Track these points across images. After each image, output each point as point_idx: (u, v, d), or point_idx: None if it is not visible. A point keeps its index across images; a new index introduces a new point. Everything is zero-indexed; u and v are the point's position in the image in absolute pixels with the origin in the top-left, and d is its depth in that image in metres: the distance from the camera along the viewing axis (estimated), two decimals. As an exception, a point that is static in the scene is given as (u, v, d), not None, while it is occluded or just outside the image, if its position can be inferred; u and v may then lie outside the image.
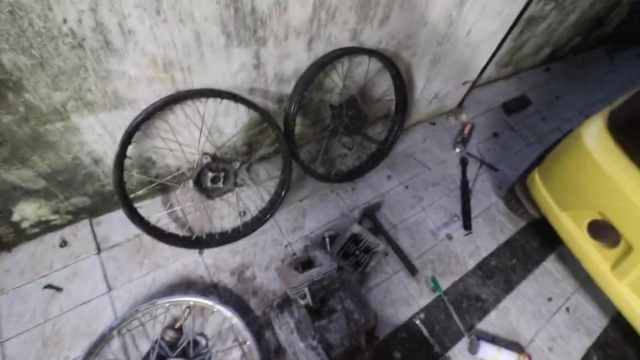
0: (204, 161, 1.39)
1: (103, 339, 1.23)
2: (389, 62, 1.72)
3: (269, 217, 1.70)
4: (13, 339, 1.28)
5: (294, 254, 1.65)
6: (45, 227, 1.53)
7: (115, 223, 1.62)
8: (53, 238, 1.55)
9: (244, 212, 1.75)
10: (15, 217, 1.41)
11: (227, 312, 1.35)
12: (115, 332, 1.24)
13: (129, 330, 1.33)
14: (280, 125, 1.57)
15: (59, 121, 1.19)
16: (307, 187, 1.91)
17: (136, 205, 1.43)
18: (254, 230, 1.68)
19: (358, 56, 1.72)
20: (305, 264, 1.34)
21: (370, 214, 1.80)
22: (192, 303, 1.36)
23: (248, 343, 1.31)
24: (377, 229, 1.74)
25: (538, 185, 1.53)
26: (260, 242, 1.67)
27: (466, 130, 2.37)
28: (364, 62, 1.78)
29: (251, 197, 1.81)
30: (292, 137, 1.63)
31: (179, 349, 1.28)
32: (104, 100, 1.22)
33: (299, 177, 1.91)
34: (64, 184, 1.40)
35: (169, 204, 1.72)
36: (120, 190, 1.31)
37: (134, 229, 1.47)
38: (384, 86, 1.95)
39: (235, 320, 1.34)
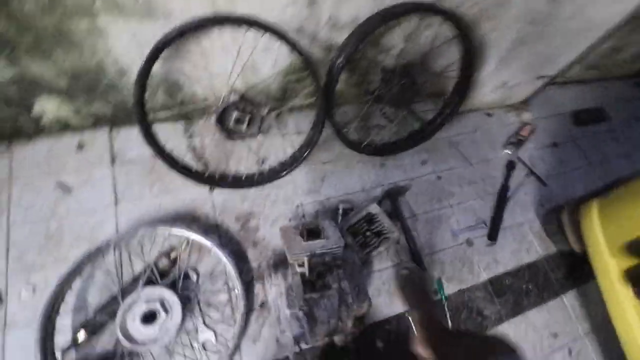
0: (232, 98, 1.28)
1: (100, 250, 1.23)
2: (464, 31, 1.45)
3: (287, 172, 1.61)
4: (19, 226, 1.32)
5: (304, 216, 1.57)
6: (64, 126, 1.50)
7: (134, 139, 1.57)
8: (71, 139, 1.53)
9: (263, 161, 1.66)
10: (36, 111, 1.38)
11: (222, 256, 1.32)
12: (113, 246, 1.24)
13: (127, 247, 1.33)
14: (321, 77, 1.40)
15: (86, 17, 1.08)
16: (334, 150, 1.77)
17: (156, 126, 1.36)
18: (269, 181, 1.60)
19: (430, 17, 1.46)
20: (311, 232, 1.26)
21: (393, 197, 1.67)
22: (192, 238, 1.33)
23: (236, 291, 1.29)
24: (396, 214, 1.62)
25: (593, 220, 1.32)
26: (272, 195, 1.60)
27: (524, 132, 2.09)
28: (434, 26, 1.52)
29: (274, 147, 1.71)
30: (332, 94, 1.47)
31: (169, 279, 1.28)
32: (136, 5, 1.08)
33: (327, 138, 1.76)
34: (86, 88, 1.34)
35: (189, 133, 1.65)
36: (139, 109, 1.23)
37: (148, 149, 1.42)
38: (449, 59, 1.69)
39: (229, 266, 1.31)
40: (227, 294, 1.35)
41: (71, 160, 1.49)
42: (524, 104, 2.27)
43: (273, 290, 1.24)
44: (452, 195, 1.80)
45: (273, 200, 1.59)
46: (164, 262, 1.30)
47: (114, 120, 1.57)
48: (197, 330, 1.28)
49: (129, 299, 1.16)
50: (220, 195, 1.55)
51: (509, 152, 2.00)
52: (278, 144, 1.71)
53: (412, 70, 1.63)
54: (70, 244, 1.33)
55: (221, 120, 1.33)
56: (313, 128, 1.55)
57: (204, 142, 1.63)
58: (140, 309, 1.15)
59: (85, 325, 1.16)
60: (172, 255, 1.33)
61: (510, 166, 1.95)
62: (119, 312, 1.14)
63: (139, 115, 1.25)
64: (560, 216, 1.59)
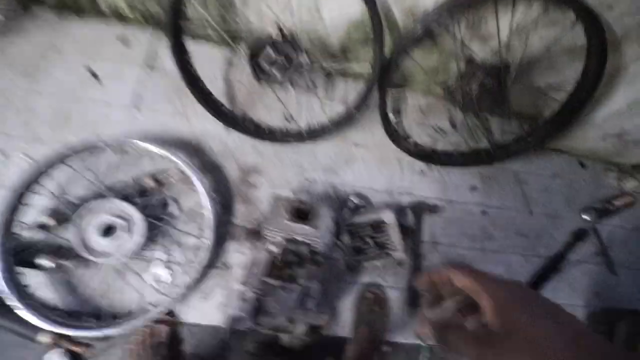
0: (274, 36, 1.08)
1: (94, 146, 1.18)
2: (600, 45, 1.07)
3: (312, 139, 1.41)
4: (38, 94, 1.32)
5: (310, 194, 1.38)
6: (117, 13, 1.45)
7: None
8: (118, 30, 1.47)
9: (290, 118, 1.48)
10: (91, -15, 1.32)
11: (207, 199, 1.20)
12: (104, 146, 1.17)
13: (120, 154, 1.27)
14: (387, 45, 1.14)
15: None
16: (373, 135, 1.52)
17: (195, 44, 1.24)
18: (287, 142, 1.42)
19: (561, 9, 1.09)
20: (300, 213, 1.07)
21: (418, 212, 1.40)
22: (184, 170, 1.22)
23: (206, 243, 1.18)
24: (412, 233, 1.35)
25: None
26: (286, 159, 1.42)
27: (619, 202, 1.61)
28: (559, 24, 1.13)
29: (307, 108, 1.50)
30: (394, 68, 1.20)
31: (147, 200, 1.20)
32: None
33: (371, 119, 1.51)
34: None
35: (227, 61, 1.50)
36: (173, 16, 1.09)
37: None
38: (562, 76, 1.30)
39: (210, 212, 1.19)
40: (196, 240, 1.25)
41: (110, 51, 1.44)
42: (636, 169, 1.75)
43: (238, 257, 1.10)
44: (491, 238, 1.47)
45: (285, 164, 1.42)
46: (148, 182, 1.22)
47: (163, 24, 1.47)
48: (154, 263, 1.20)
49: (93, 204, 1.10)
50: (235, 138, 1.41)
51: (587, 219, 1.56)
52: (313, 107, 1.50)
53: (507, 74, 1.27)
54: (76, 128, 1.30)
55: (256, 57, 1.15)
56: (357, 101, 1.31)
57: (239, 77, 1.48)
58: (102, 218, 1.09)
59: (54, 213, 1.14)
60: (160, 177, 1.24)
61: (580, 235, 1.52)
62: (80, 212, 1.09)
63: (172, 22, 1.11)
64: (615, 329, 1.20)
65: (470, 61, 1.27)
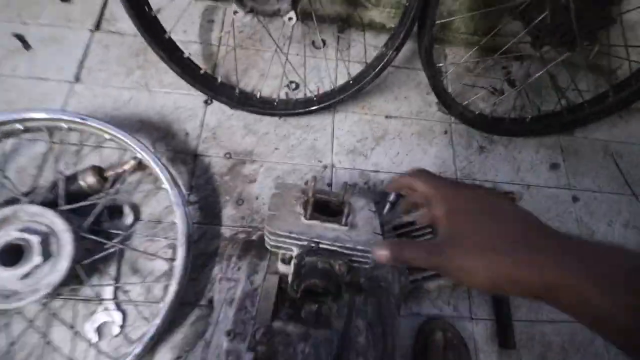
0: None
1: (26, 129, 0.77)
2: None
3: (324, 107, 0.99)
4: None
5: (330, 185, 0.96)
6: (54, -38, 1.08)
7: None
8: (59, -16, 1.10)
9: (296, 86, 1.07)
10: None
11: (178, 202, 0.78)
12: (15, 122, 0.77)
13: (48, 135, 0.87)
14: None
15: None
16: (408, 102, 1.11)
17: None
18: (293, 114, 1.02)
19: None
20: (324, 207, 0.64)
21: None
22: (148, 163, 0.81)
23: (179, 268, 0.74)
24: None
25: None
26: (292, 138, 1.01)
27: None
28: None
29: (318, 69, 1.11)
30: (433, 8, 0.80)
31: (87, 208, 0.78)
32: None
33: (401, 83, 1.12)
34: None
35: (204, 17, 1.12)
36: None
37: None
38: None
39: (182, 221, 0.77)
40: (166, 263, 0.82)
41: (49, 11, 1.06)
42: None
43: (224, 286, 0.66)
44: (593, 234, 1.03)
45: (291, 145, 1.00)
46: (89, 179, 0.80)
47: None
48: (99, 302, 0.77)
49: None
50: (218, 114, 1.01)
51: None
52: (323, 65, 1.10)
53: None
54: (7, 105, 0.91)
55: None
56: (386, 46, 0.90)
57: (224, 37, 1.09)
58: (4, 237, 0.67)
59: None
60: (107, 173, 0.83)
61: None
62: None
63: None
64: None
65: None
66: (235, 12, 0.76)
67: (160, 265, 0.82)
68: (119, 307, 0.77)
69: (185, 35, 1.09)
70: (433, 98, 1.12)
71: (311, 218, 0.60)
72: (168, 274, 0.81)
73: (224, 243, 0.86)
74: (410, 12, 0.80)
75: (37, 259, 0.66)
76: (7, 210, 0.69)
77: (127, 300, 0.78)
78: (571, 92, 1.10)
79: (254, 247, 0.70)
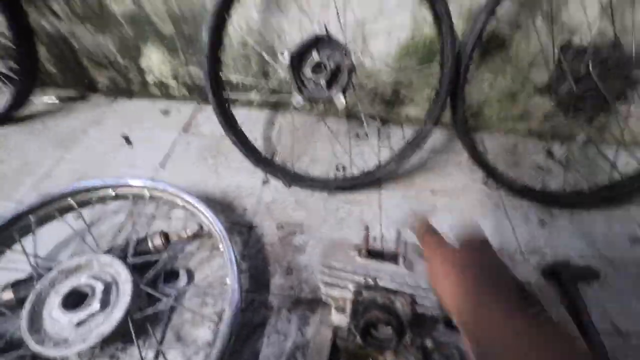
0: (316, 33, 0.90)
1: (90, 189, 0.91)
2: None
3: (374, 180, 1.05)
4: (70, 157, 1.19)
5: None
6: (163, 92, 1.46)
7: (214, 117, 1.39)
8: (160, 104, 1.46)
9: (343, 168, 1.18)
10: (143, 64, 1.37)
11: (232, 267, 0.79)
12: (102, 187, 0.91)
13: (137, 213, 0.99)
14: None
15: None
16: (452, 179, 1.14)
17: (238, 110, 1.13)
18: (340, 190, 1.08)
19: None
20: (376, 256, 0.62)
21: (566, 280, 0.85)
22: (210, 229, 0.88)
23: (221, 331, 0.70)
24: (576, 311, 0.78)
25: None
26: (341, 211, 1.05)
27: None
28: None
29: (361, 154, 1.22)
30: (461, 79, 0.94)
31: (148, 265, 0.82)
32: None
33: (441, 162, 1.19)
34: (187, 39, 1.25)
35: (268, 122, 1.37)
36: (211, 64, 0.99)
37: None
38: None
39: (234, 287, 0.76)
40: (210, 332, 0.78)
41: (150, 121, 1.38)
42: None
43: (274, 340, 0.60)
44: None
45: (340, 217, 1.03)
46: (156, 240, 0.87)
47: (205, 97, 1.45)
48: (137, 369, 0.72)
49: (68, 262, 0.75)
50: (273, 191, 1.11)
51: None
52: (367, 151, 1.22)
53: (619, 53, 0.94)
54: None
55: (298, 62, 0.94)
56: (424, 123, 1.00)
57: (281, 135, 1.30)
58: (72, 281, 0.71)
59: (16, 285, 0.78)
60: (172, 237, 0.90)
61: None
62: (49, 277, 0.72)
63: (210, 72, 1.00)
64: None
65: (565, 48, 0.98)
66: (297, 102, 0.94)
67: (204, 335, 0.78)
68: (155, 377, 0.71)
69: (250, 133, 1.31)
70: (477, 175, 1.15)
71: (366, 257, 0.59)
72: (210, 346, 0.76)
73: (268, 312, 0.81)
74: (441, 92, 0.93)
75: (96, 305, 0.67)
76: (83, 259, 0.75)
77: (166, 369, 0.72)
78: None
79: (304, 302, 0.66)
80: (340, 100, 0.92)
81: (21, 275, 0.80)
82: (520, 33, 1.05)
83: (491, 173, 1.04)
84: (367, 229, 0.63)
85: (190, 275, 0.89)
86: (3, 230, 0.81)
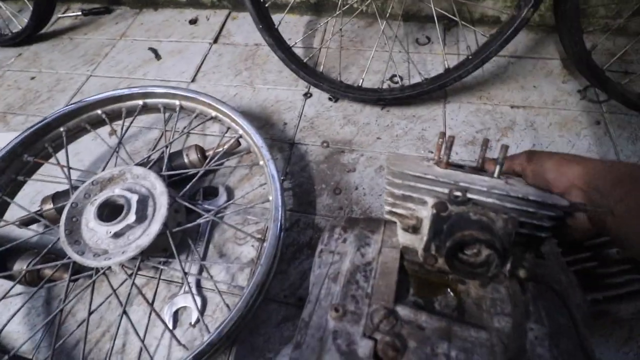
0: None
1: (121, 96, 0.82)
2: None
3: (440, 86, 0.86)
4: (95, 77, 1.11)
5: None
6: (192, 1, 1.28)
7: (247, 25, 1.21)
8: (188, 14, 1.29)
9: (400, 79, 0.98)
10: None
11: (275, 185, 0.69)
12: (141, 102, 0.82)
13: (170, 128, 0.90)
14: None
15: None
16: (537, 90, 0.91)
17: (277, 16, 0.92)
18: (397, 103, 0.91)
19: None
20: (457, 167, 0.48)
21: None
22: (251, 145, 0.76)
23: (267, 244, 0.63)
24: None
25: None
26: (396, 128, 0.89)
27: None
28: None
29: (423, 63, 1.01)
30: None
31: (186, 181, 0.75)
32: None
33: (520, 71, 0.94)
34: None
35: (314, 29, 1.16)
36: None
37: (257, 38, 1.02)
38: None
39: (278, 205, 0.67)
40: (254, 250, 0.72)
41: (178, 31, 1.24)
42: None
43: (327, 260, 0.51)
44: None
45: (395, 135, 0.88)
46: (192, 156, 0.79)
47: (236, 3, 1.25)
48: (181, 284, 0.69)
49: (101, 175, 0.69)
50: (316, 106, 0.96)
51: None
52: (429, 59, 1.01)
53: None
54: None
55: None
56: (518, 7, 0.76)
57: (327, 39, 1.10)
58: (107, 193, 0.65)
59: (55, 197, 0.75)
60: (208, 151, 0.81)
61: None
62: (85, 189, 0.67)
63: None
64: None
65: None
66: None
67: (248, 252, 0.72)
68: (200, 292, 0.68)
69: (290, 41, 1.13)
70: (572, 87, 0.91)
71: (448, 167, 0.45)
72: (255, 263, 0.70)
73: (316, 235, 0.73)
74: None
75: (132, 217, 0.62)
76: (115, 170, 0.69)
77: (209, 289, 0.68)
78: None
79: (361, 221, 0.55)
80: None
81: (62, 188, 0.77)
82: None
83: (598, 80, 0.80)
84: (442, 135, 0.48)
85: (230, 192, 0.81)
86: (34, 141, 0.76)
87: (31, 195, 0.84)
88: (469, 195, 0.41)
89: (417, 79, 0.93)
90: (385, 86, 0.96)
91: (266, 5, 0.88)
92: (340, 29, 1.05)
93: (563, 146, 0.81)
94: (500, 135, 0.84)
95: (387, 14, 0.90)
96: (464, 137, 0.85)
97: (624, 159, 0.78)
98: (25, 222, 0.74)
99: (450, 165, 0.47)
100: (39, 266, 0.64)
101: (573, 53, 0.79)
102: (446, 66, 0.84)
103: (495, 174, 0.44)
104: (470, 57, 0.81)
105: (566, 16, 0.76)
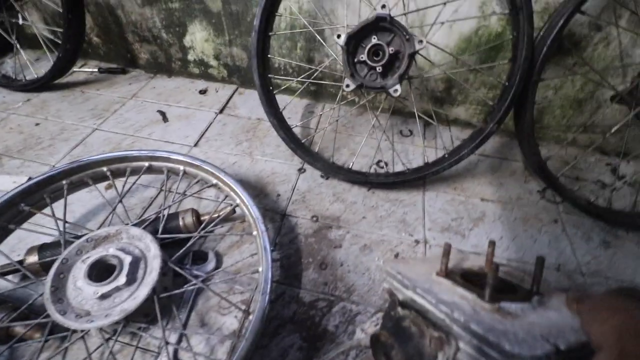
0: (379, 12, 0.83)
1: (150, 167, 0.87)
2: None
3: (420, 177, 0.97)
4: (102, 131, 1.17)
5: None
6: (203, 71, 1.43)
7: (252, 101, 1.35)
8: (199, 84, 1.43)
9: (385, 165, 1.10)
10: (187, 41, 1.34)
11: (267, 266, 0.73)
12: (147, 164, 0.87)
13: (168, 189, 0.95)
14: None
15: None
16: (504, 187, 1.04)
17: (280, 96, 1.08)
18: (382, 187, 1.01)
19: None
20: (472, 277, 0.53)
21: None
22: (243, 207, 0.82)
23: (249, 324, 0.64)
24: None
25: None
26: (380, 209, 0.97)
27: None
28: None
29: (405, 152, 1.14)
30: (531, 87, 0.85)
31: (178, 245, 0.77)
32: None
33: (490, 169, 1.09)
34: (234, 18, 1.21)
35: (307, 110, 1.31)
36: (260, 40, 0.94)
37: (260, 113, 1.18)
38: None
39: (265, 277, 0.70)
40: (237, 321, 0.72)
41: (187, 99, 1.35)
42: None
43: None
44: None
45: (379, 215, 0.95)
46: (187, 218, 0.82)
47: (244, 80, 1.41)
48: (156, 358, 0.66)
49: (97, 232, 0.71)
50: (310, 180, 1.04)
51: None
52: (411, 150, 1.14)
53: None
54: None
55: (353, 48, 0.86)
56: (485, 122, 0.92)
57: (323, 122, 1.24)
58: (100, 252, 0.67)
59: (42, 249, 0.75)
60: (203, 216, 0.85)
61: None
62: (78, 246, 0.69)
63: (258, 51, 0.95)
64: None
65: None
66: (347, 86, 0.88)
67: (230, 323, 0.72)
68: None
69: (290, 121, 1.25)
70: (533, 186, 1.05)
71: (492, 300, 0.44)
72: (237, 335, 0.70)
73: (301, 309, 0.74)
74: (510, 90, 0.84)
75: (122, 278, 0.63)
76: (112, 229, 0.71)
77: (192, 352, 0.66)
78: None
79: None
80: (395, 89, 0.84)
81: (48, 240, 0.77)
82: (600, 34, 0.94)
83: (553, 185, 0.94)
84: (492, 244, 0.53)
85: (219, 258, 0.83)
86: (34, 191, 0.78)
87: (12, 243, 0.82)
88: (418, 303, 0.46)
89: (400, 167, 1.05)
90: (372, 170, 1.07)
91: (272, 88, 1.02)
92: (337, 120, 1.20)
93: (527, 240, 0.90)
94: (472, 225, 0.94)
95: (378, 109, 1.05)
96: (441, 224, 0.94)
97: (579, 256, 0.88)
98: (4, 272, 0.72)
99: (451, 274, 0.53)
100: (14, 323, 0.62)
101: (531, 162, 0.94)
102: (425, 160, 0.96)
103: (486, 297, 0.45)
104: (446, 155, 0.94)
105: (523, 130, 0.92)
